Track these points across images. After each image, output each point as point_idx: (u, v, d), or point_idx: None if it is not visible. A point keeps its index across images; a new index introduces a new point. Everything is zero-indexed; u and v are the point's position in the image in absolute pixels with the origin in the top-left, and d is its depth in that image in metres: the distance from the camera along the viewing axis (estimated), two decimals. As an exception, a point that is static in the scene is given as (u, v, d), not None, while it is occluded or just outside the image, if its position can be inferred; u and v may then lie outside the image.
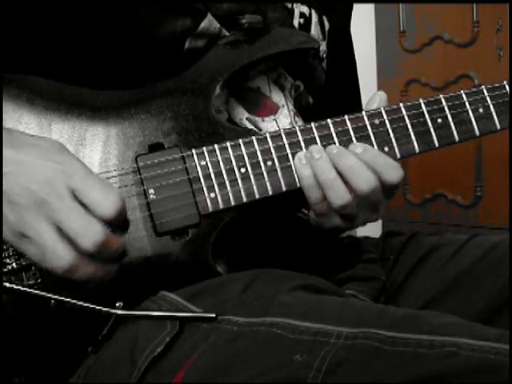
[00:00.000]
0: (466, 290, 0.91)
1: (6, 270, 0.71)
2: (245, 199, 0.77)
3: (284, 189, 0.78)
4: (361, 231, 1.09)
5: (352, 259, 0.98)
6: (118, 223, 0.70)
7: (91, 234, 0.66)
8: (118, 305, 0.70)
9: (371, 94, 0.84)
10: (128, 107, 0.78)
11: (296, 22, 0.92)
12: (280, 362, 0.60)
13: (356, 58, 1.12)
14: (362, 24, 2.18)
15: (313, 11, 0.95)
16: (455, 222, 2.05)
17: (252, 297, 0.70)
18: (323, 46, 0.97)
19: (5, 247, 0.71)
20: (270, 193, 0.77)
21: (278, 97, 0.88)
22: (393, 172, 0.78)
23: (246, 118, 0.85)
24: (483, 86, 0.83)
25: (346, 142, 0.79)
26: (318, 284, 0.74)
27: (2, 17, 0.79)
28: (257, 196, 0.77)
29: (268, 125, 0.86)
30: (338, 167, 0.77)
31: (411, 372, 0.55)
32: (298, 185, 0.78)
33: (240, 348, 0.63)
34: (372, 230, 1.04)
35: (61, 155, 0.70)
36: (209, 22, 0.83)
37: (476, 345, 0.54)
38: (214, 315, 0.67)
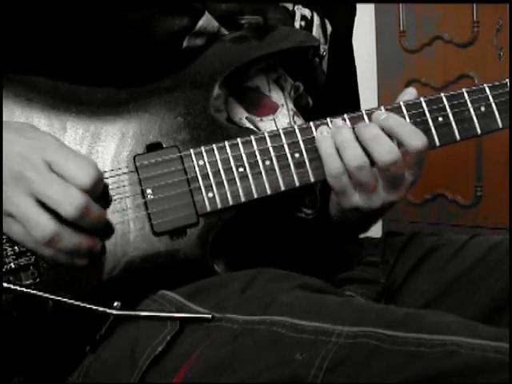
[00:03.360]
0: (466, 290, 0.90)
1: (4, 269, 0.71)
2: (243, 199, 0.77)
3: (283, 188, 0.78)
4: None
5: (352, 260, 0.98)
6: (97, 194, 0.70)
7: (71, 199, 0.67)
8: (115, 305, 0.70)
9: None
10: (126, 106, 0.77)
11: (297, 24, 0.92)
12: (281, 361, 0.60)
13: (356, 63, 1.12)
14: (362, 24, 2.18)
15: (315, 14, 0.95)
16: (455, 222, 2.05)
17: (252, 296, 0.70)
18: (324, 49, 0.97)
19: (3, 247, 0.71)
20: (269, 192, 0.77)
21: (277, 96, 0.88)
22: (416, 137, 0.76)
23: (246, 118, 0.85)
24: (485, 85, 0.83)
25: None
26: (317, 284, 0.74)
27: (2, 17, 0.79)
28: (255, 195, 0.77)
29: (266, 124, 0.86)
30: (360, 137, 0.77)
31: (412, 371, 0.54)
32: (297, 184, 0.78)
33: (240, 346, 0.63)
34: (372, 230, 1.04)
35: (33, 132, 0.71)
36: (207, 21, 0.83)
37: (476, 343, 0.54)
38: (209, 316, 0.67)
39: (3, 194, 0.67)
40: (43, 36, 0.81)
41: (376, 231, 1.08)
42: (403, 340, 0.57)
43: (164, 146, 0.77)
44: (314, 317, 0.63)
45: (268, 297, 0.68)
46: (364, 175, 0.77)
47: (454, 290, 0.92)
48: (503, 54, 1.88)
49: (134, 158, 0.76)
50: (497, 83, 0.83)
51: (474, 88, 0.82)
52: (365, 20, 2.23)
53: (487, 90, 0.82)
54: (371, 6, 2.27)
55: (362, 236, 1.09)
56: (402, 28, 2.18)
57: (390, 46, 2.22)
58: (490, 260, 0.91)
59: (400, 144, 0.77)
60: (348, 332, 0.60)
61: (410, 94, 0.83)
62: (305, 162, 0.78)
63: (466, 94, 0.82)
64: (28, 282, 0.71)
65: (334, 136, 0.78)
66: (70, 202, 0.67)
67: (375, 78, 2.25)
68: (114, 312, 0.69)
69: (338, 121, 0.79)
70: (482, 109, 0.82)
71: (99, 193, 0.71)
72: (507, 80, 0.84)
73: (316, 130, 0.79)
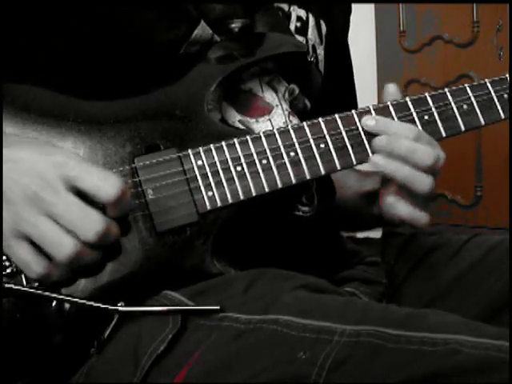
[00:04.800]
0: (466, 290, 0.91)
1: (5, 272, 0.70)
2: (242, 197, 0.77)
3: (280, 185, 0.79)
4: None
5: (352, 259, 0.98)
6: (123, 205, 0.69)
7: (92, 224, 0.65)
8: (119, 305, 0.69)
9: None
10: (125, 111, 0.78)
11: (293, 25, 0.93)
12: (283, 360, 0.60)
13: (353, 63, 1.12)
14: (362, 24, 2.18)
15: (310, 15, 0.95)
16: (455, 221, 2.05)
17: (254, 295, 0.70)
18: (320, 50, 0.97)
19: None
20: (267, 190, 0.78)
21: (271, 97, 0.88)
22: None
23: (239, 121, 0.86)
24: (466, 85, 0.86)
25: (338, 141, 0.81)
26: (319, 284, 0.74)
27: (2, 17, 0.79)
28: (253, 193, 0.78)
29: (262, 125, 0.86)
30: (396, 153, 0.78)
31: (414, 369, 0.55)
32: (294, 181, 0.79)
33: (243, 345, 0.63)
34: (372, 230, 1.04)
35: (52, 148, 0.69)
36: (202, 29, 0.83)
37: (478, 342, 0.55)
38: (218, 308, 0.67)
39: (15, 215, 0.65)
40: (43, 36, 0.80)
41: (376, 231, 1.08)
42: (406, 339, 0.57)
43: (162, 147, 0.77)
44: (316, 316, 0.63)
45: (270, 296, 0.68)
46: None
47: (454, 289, 0.92)
48: (503, 54, 1.89)
49: (134, 160, 0.76)
50: (475, 83, 0.87)
51: (454, 88, 0.86)
52: (365, 20, 2.23)
53: (468, 89, 0.86)
54: (371, 6, 2.27)
55: (362, 236, 1.09)
56: (402, 28, 2.18)
57: (390, 46, 2.22)
58: (489, 260, 0.91)
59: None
60: (351, 331, 0.60)
61: (392, 93, 0.85)
62: (300, 160, 0.79)
63: (448, 94, 0.85)
64: (30, 285, 0.71)
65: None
66: (91, 227, 0.65)
67: (375, 78, 2.25)
68: (120, 308, 0.69)
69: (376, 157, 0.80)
70: (465, 107, 0.85)
71: (126, 204, 0.70)
72: (487, 80, 0.88)
73: (309, 129, 0.80)
